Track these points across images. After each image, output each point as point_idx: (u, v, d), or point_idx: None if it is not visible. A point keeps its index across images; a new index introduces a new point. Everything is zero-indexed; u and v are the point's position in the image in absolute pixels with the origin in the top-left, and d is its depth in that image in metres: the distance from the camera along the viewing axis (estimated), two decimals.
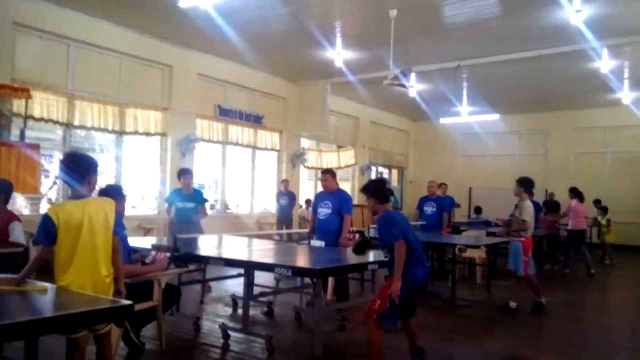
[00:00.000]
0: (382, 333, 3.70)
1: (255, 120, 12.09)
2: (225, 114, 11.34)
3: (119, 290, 2.99)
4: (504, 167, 16.25)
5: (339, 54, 9.89)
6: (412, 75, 9.77)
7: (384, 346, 3.72)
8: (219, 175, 11.65)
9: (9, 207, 4.48)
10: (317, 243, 5.98)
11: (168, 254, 4.46)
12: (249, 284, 4.83)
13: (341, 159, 14.92)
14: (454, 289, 6.76)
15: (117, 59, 9.22)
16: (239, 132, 11.72)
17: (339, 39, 9.29)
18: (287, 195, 11.52)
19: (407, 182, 18.53)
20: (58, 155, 8.63)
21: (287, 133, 12.94)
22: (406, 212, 16.91)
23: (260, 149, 12.42)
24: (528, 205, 6.04)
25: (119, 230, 3.07)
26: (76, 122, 8.49)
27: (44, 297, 2.69)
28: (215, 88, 11.18)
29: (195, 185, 7.99)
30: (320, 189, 7.07)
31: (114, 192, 3.63)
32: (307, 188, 14.26)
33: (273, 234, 10.91)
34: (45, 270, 2.96)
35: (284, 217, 11.54)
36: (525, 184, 6.09)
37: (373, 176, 17.47)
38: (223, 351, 4.46)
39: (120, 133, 9.28)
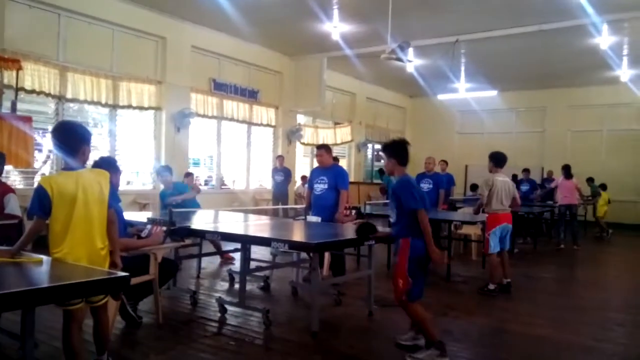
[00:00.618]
0: (420, 306, 3.75)
1: (250, 95, 11.94)
2: (220, 88, 11.19)
3: (114, 262, 2.95)
4: (500, 145, 15.99)
5: (335, 27, 9.71)
6: (410, 50, 9.65)
7: (426, 313, 3.78)
8: (214, 151, 11.56)
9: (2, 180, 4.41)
10: (313, 219, 5.96)
11: (164, 228, 4.42)
12: (246, 258, 4.81)
13: (337, 136, 14.84)
14: (449, 265, 6.78)
15: (109, 30, 9.02)
16: (234, 107, 11.59)
17: (336, 12, 9.12)
18: (283, 172, 11.48)
19: None
20: (51, 130, 8.50)
21: (283, 109, 12.82)
22: None
23: (256, 124, 12.31)
24: (492, 179, 5.82)
25: (113, 202, 3.02)
26: (69, 95, 8.34)
27: (40, 268, 2.66)
28: (209, 61, 11.01)
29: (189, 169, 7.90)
30: (316, 165, 7.02)
31: (107, 165, 3.56)
32: (303, 164, 14.20)
33: (269, 209, 10.91)
34: (40, 243, 2.92)
35: (280, 194, 11.51)
36: (493, 159, 5.94)
37: (369, 154, 17.43)
38: (220, 325, 4.46)
39: (114, 107, 9.14)
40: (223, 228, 5.00)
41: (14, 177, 7.82)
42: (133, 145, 9.79)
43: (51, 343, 3.66)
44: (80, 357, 2.81)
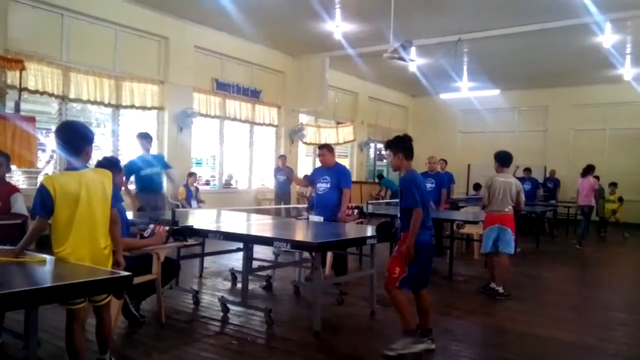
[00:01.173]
0: (403, 295, 3.85)
1: (253, 95, 11.95)
2: (222, 87, 11.21)
3: (117, 262, 2.97)
4: (503, 144, 16.03)
5: (338, 27, 9.71)
6: (413, 49, 9.63)
7: (406, 302, 3.87)
8: (217, 150, 11.57)
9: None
10: (315, 218, 5.97)
11: (167, 228, 4.43)
12: (248, 258, 4.82)
13: (340, 135, 14.83)
14: (451, 264, 6.79)
15: (112, 30, 9.04)
16: (237, 106, 11.60)
17: (338, 11, 9.11)
18: (285, 171, 11.47)
19: None
20: (54, 129, 8.53)
21: (285, 108, 12.82)
22: None
23: (258, 124, 12.32)
24: (492, 180, 5.77)
25: (116, 202, 3.03)
26: (72, 95, 8.36)
27: (43, 267, 2.68)
28: (212, 61, 11.02)
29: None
30: (318, 165, 7.03)
31: (111, 165, 3.58)
32: (306, 164, 14.21)
33: (271, 209, 10.93)
34: (44, 242, 2.93)
35: (282, 193, 11.52)
36: (498, 159, 5.86)
37: (372, 153, 17.42)
38: (222, 324, 4.47)
39: (117, 107, 9.17)
40: (225, 227, 5.01)
41: (17, 177, 7.84)
42: (136, 146, 9.78)
43: (54, 342, 3.67)
44: (82, 356, 2.82)
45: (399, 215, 3.97)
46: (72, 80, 8.33)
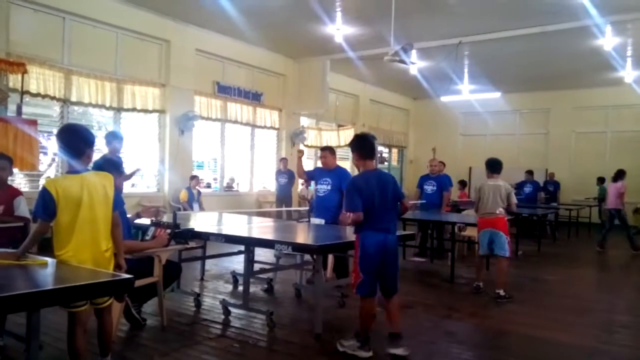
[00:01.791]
0: (369, 303, 3.87)
1: (254, 98, 11.97)
2: (224, 91, 11.23)
3: (119, 265, 2.99)
4: (504, 146, 16.22)
5: (339, 30, 9.74)
6: (413, 52, 9.65)
7: (372, 312, 3.91)
8: (218, 153, 11.59)
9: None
10: (316, 221, 5.98)
11: (168, 231, 4.44)
12: (250, 260, 4.83)
13: (341, 138, 14.83)
14: (453, 267, 6.79)
15: (113, 33, 9.07)
16: (238, 109, 11.62)
17: (339, 14, 9.14)
18: (287, 174, 11.49)
19: (407, 161, 18.49)
20: (56, 133, 8.54)
21: (287, 111, 12.84)
22: (406, 191, 16.95)
23: (260, 127, 12.33)
24: (480, 185, 6.01)
25: (118, 205, 3.04)
26: (73, 98, 8.38)
27: (45, 270, 2.69)
28: (213, 64, 11.05)
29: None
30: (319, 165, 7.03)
31: (111, 166, 3.57)
32: (307, 167, 14.17)
33: (272, 211, 10.93)
34: (45, 245, 2.94)
35: (283, 196, 11.53)
36: (487, 165, 6.06)
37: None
38: (224, 327, 4.48)
39: (118, 110, 9.18)
40: (227, 230, 5.02)
41: (19, 180, 7.86)
42: (137, 148, 9.83)
43: (56, 345, 3.68)
44: (84, 359, 2.83)
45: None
46: (73, 83, 8.35)
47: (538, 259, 8.89)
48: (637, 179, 14.19)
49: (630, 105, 14.48)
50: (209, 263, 6.77)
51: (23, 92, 7.56)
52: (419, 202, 8.68)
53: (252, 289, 5.35)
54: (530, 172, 12.91)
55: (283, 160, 11.86)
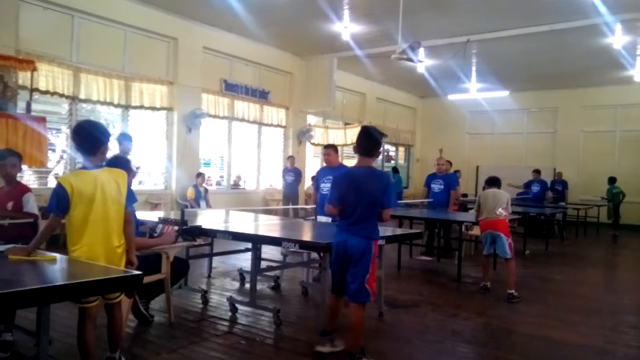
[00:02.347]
0: (331, 299, 3.86)
1: (261, 96, 11.99)
2: (231, 88, 11.25)
3: (130, 261, 3.01)
4: (511, 145, 16.18)
5: (346, 27, 9.73)
6: (421, 50, 9.62)
7: (332, 309, 3.86)
8: (225, 151, 11.61)
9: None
10: (323, 219, 5.98)
11: (176, 228, 4.46)
12: (257, 258, 4.84)
13: (347, 136, 14.81)
14: (460, 266, 6.77)
15: (121, 31, 9.11)
16: (245, 107, 11.64)
17: (346, 12, 9.13)
18: (293, 172, 11.50)
19: (414, 159, 18.44)
20: (64, 130, 8.61)
21: (293, 109, 12.85)
22: (413, 189, 16.93)
23: (267, 125, 12.35)
24: (480, 195, 6.30)
25: (130, 202, 3.06)
26: (82, 96, 8.44)
27: (54, 266, 2.71)
28: (220, 62, 11.07)
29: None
30: (324, 165, 7.03)
31: (120, 165, 3.59)
32: (314, 165, 14.22)
33: (279, 209, 10.95)
34: (55, 242, 2.96)
35: (290, 194, 11.54)
36: (486, 182, 6.38)
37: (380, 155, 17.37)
38: (231, 324, 4.49)
39: (126, 107, 9.23)
40: (234, 228, 5.03)
41: (27, 177, 7.92)
42: (145, 146, 9.87)
43: (65, 340, 3.71)
44: (93, 354, 2.85)
45: None
46: (82, 80, 8.40)
47: (545, 259, 8.85)
48: None
49: None
50: (216, 260, 6.79)
51: (32, 90, 7.62)
52: (426, 200, 8.66)
53: (259, 286, 5.36)
54: (537, 171, 12.85)
55: (290, 158, 11.87)
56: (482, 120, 17.02)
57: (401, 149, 18.36)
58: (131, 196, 3.08)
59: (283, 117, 12.73)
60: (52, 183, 8.70)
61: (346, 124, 15.08)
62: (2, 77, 7.22)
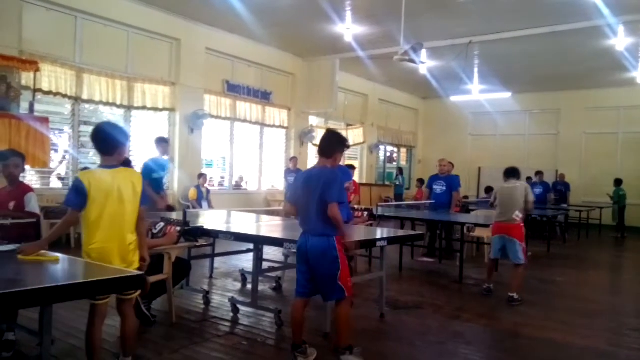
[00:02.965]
0: (294, 303, 3.70)
1: (263, 97, 12.00)
2: (233, 89, 11.26)
3: (143, 257, 3.09)
4: (514, 147, 16.15)
5: (348, 29, 9.74)
6: (423, 52, 9.62)
7: (295, 315, 3.65)
8: (227, 152, 11.62)
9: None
10: None
11: (178, 228, 4.46)
12: (258, 259, 4.84)
13: (349, 137, 14.78)
14: (461, 267, 6.76)
15: (124, 32, 9.13)
16: (247, 108, 11.65)
17: (349, 13, 9.14)
18: (296, 173, 11.47)
19: (416, 161, 18.44)
20: (67, 130, 8.63)
21: (296, 110, 12.86)
22: (414, 191, 16.91)
23: (269, 126, 12.36)
24: (495, 189, 6.12)
25: (144, 200, 3.15)
26: (84, 96, 8.46)
27: (57, 266, 2.75)
28: (223, 63, 11.09)
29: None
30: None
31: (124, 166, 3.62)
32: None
33: (281, 210, 10.94)
34: (56, 243, 2.98)
35: None
36: (504, 173, 6.14)
37: (381, 155, 17.40)
38: (232, 325, 4.49)
39: (129, 108, 9.25)
40: (236, 228, 5.04)
41: (30, 177, 7.94)
42: (147, 146, 9.86)
43: (67, 341, 3.72)
44: (98, 350, 2.93)
45: None
46: (85, 81, 8.42)
47: (548, 261, 8.83)
48: None
49: None
50: (218, 261, 6.79)
51: (35, 90, 7.65)
52: (428, 202, 8.65)
53: (260, 287, 5.36)
54: (540, 173, 12.83)
55: (293, 159, 11.86)
56: (484, 121, 17.01)
57: (403, 150, 18.36)
58: (146, 195, 3.17)
59: (285, 118, 12.74)
60: (54, 183, 8.73)
61: (348, 125, 15.09)
62: (6, 77, 7.25)
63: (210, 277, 6.32)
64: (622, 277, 8.47)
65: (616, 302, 6.24)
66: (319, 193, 3.49)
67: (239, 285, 6.07)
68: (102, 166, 3.02)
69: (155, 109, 9.67)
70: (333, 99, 12.68)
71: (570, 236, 11.93)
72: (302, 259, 3.61)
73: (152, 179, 6.73)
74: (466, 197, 12.30)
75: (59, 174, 8.89)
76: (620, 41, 9.61)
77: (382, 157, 17.47)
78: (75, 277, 2.67)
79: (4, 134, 7.04)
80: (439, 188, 8.54)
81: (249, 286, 5.54)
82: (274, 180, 12.89)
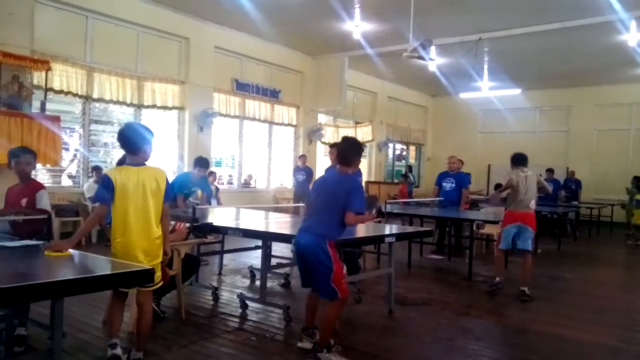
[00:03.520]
0: (309, 294, 3.88)
1: (272, 95, 12.02)
2: (242, 88, 11.30)
3: (165, 251, 3.27)
4: (524, 144, 15.86)
5: (357, 26, 9.72)
6: (432, 49, 9.58)
7: (309, 306, 3.87)
8: (237, 150, 11.67)
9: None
10: None
11: (187, 225, 4.50)
12: (267, 255, 4.86)
13: (358, 135, 14.77)
14: (471, 264, 6.74)
15: (134, 31, 9.20)
16: (256, 106, 11.68)
17: (357, 11, 9.12)
18: (305, 171, 11.52)
19: (425, 158, 18.38)
20: (78, 129, 8.71)
21: (304, 108, 12.87)
22: (424, 188, 16.86)
23: (277, 124, 12.39)
24: (513, 175, 5.87)
25: (168, 197, 3.30)
26: (95, 95, 8.54)
27: (69, 261, 2.81)
28: (232, 61, 11.12)
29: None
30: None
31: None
32: (324, 164, 14.20)
33: (290, 207, 10.96)
34: (67, 236, 3.02)
35: (301, 192, 11.53)
36: (510, 160, 6.06)
37: (390, 153, 17.36)
38: (241, 320, 4.52)
39: (139, 106, 9.32)
40: (244, 225, 5.06)
41: (42, 175, 8.02)
42: (157, 145, 9.92)
43: (77, 335, 3.77)
44: (116, 325, 3.24)
45: None
46: (95, 80, 8.50)
47: (558, 258, 8.77)
48: None
49: None
50: (226, 258, 6.83)
51: (47, 89, 7.73)
52: (437, 199, 8.62)
53: (269, 283, 5.39)
54: (550, 170, 12.70)
55: (302, 157, 11.89)
56: (494, 118, 16.88)
57: (412, 148, 18.30)
58: (170, 192, 3.37)
59: (294, 116, 12.76)
60: (65, 182, 8.82)
61: (357, 123, 15.07)
62: (18, 77, 7.34)
63: (219, 273, 6.36)
64: (633, 274, 8.38)
65: (627, 298, 6.18)
66: (332, 198, 3.58)
67: (247, 281, 6.10)
68: (128, 164, 3.18)
69: (165, 108, 9.73)
70: (342, 96, 12.67)
71: (581, 233, 11.83)
72: (298, 254, 3.77)
73: (183, 192, 6.63)
74: (480, 194, 12.21)
75: (70, 173, 8.98)
76: (632, 36, 9.48)
77: (390, 155, 17.43)
78: (86, 271, 2.72)
79: (17, 132, 7.14)
80: (448, 185, 8.50)
81: (258, 282, 5.57)
82: (282, 178, 12.91)
